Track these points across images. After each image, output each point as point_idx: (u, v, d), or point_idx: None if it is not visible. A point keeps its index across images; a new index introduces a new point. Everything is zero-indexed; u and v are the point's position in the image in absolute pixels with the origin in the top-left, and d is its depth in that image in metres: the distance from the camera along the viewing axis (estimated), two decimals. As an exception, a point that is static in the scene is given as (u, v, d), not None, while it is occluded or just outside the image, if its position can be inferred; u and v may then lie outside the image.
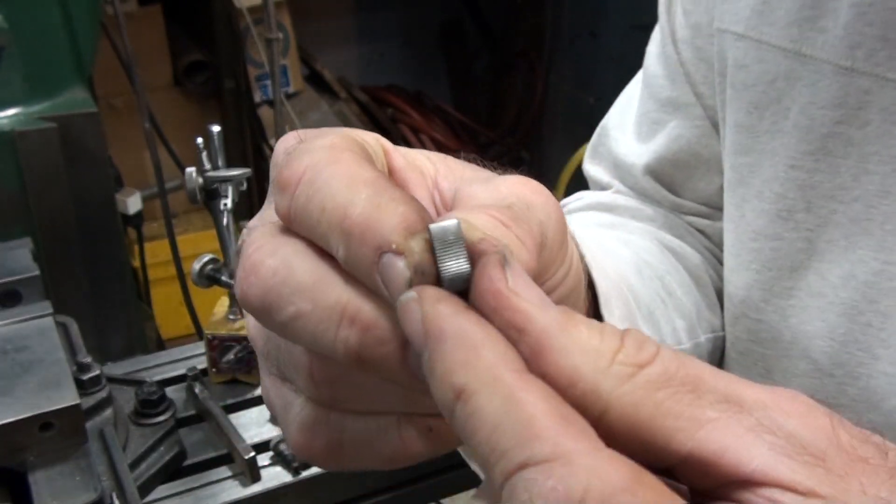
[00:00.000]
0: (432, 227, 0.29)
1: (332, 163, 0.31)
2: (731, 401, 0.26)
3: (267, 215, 0.34)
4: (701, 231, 0.74)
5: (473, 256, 0.29)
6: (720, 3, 0.62)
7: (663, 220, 0.73)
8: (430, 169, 0.37)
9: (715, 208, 0.71)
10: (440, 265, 0.29)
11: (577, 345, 0.27)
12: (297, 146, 0.33)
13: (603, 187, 0.79)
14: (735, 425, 0.26)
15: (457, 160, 0.38)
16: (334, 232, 0.30)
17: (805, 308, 0.59)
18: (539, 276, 0.36)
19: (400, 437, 0.34)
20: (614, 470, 0.24)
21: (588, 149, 0.81)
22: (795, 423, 0.26)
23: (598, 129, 0.80)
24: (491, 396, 0.26)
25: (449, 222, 0.29)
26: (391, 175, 0.35)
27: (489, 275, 0.28)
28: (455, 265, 0.29)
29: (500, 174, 0.37)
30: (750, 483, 0.26)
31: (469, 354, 0.27)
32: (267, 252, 0.32)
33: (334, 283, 0.30)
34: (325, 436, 0.35)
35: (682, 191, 0.73)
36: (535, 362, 0.27)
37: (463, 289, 0.29)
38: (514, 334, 0.27)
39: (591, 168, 0.80)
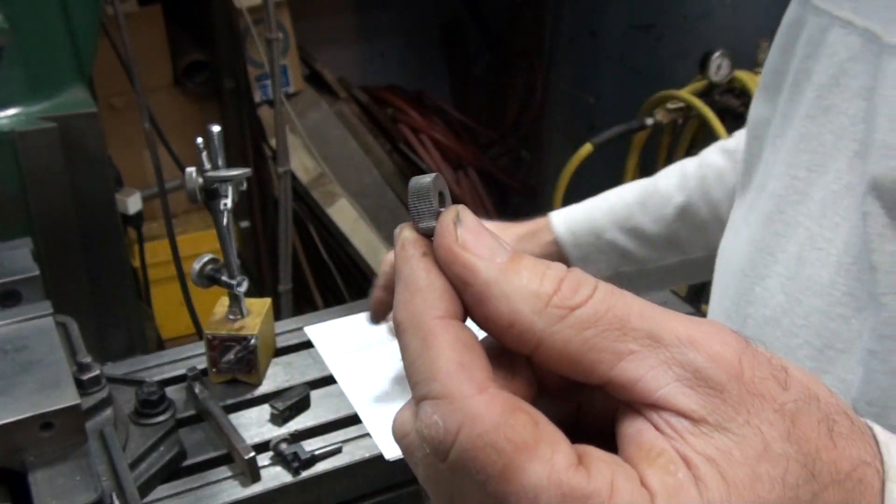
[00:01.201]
0: (412, 179, 0.34)
1: None
2: (653, 337, 0.31)
3: None
4: None
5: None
6: None
7: None
8: None
9: None
10: (411, 210, 0.34)
11: (518, 290, 0.32)
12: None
13: None
14: (651, 358, 0.31)
15: None
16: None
17: (751, 219, 0.68)
18: None
19: None
20: (487, 411, 0.29)
21: None
22: (704, 357, 0.30)
23: None
24: (413, 336, 0.32)
25: (425, 177, 0.34)
26: None
27: (441, 231, 0.33)
28: (418, 212, 0.34)
29: None
30: (656, 406, 0.31)
31: (408, 297, 0.33)
32: None
33: None
34: None
35: None
36: (478, 309, 0.32)
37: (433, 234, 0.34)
38: (460, 285, 0.32)
39: None
